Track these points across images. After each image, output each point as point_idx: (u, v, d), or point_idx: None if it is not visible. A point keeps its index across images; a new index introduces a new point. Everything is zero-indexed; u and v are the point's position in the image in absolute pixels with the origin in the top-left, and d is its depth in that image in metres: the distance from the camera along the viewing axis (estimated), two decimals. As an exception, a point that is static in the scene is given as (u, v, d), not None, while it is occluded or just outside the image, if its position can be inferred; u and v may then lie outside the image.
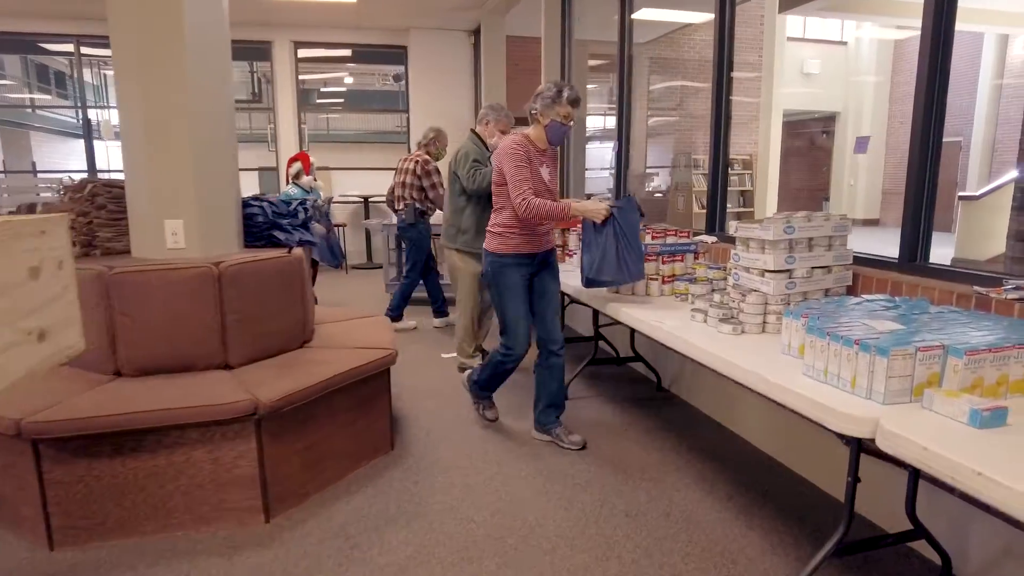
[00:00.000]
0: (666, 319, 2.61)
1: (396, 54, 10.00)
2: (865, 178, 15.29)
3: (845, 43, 15.59)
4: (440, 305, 5.43)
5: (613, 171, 5.23)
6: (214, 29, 2.98)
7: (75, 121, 17.82)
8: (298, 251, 3.20)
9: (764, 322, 2.40)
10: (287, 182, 6.22)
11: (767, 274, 2.37)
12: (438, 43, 9.49)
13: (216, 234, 3.10)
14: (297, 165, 6.08)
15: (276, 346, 2.99)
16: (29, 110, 16.75)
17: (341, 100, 14.12)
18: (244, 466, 2.49)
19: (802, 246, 2.38)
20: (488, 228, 2.93)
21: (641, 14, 8.65)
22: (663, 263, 3.11)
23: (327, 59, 10.98)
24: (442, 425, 3.48)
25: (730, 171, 10.42)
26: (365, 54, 10.55)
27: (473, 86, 9.71)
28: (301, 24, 9.32)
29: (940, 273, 2.31)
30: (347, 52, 10.66)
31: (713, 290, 2.83)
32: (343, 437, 2.90)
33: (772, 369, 1.91)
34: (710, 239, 3.48)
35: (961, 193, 9.06)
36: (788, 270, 2.37)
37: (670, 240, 3.25)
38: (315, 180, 6.15)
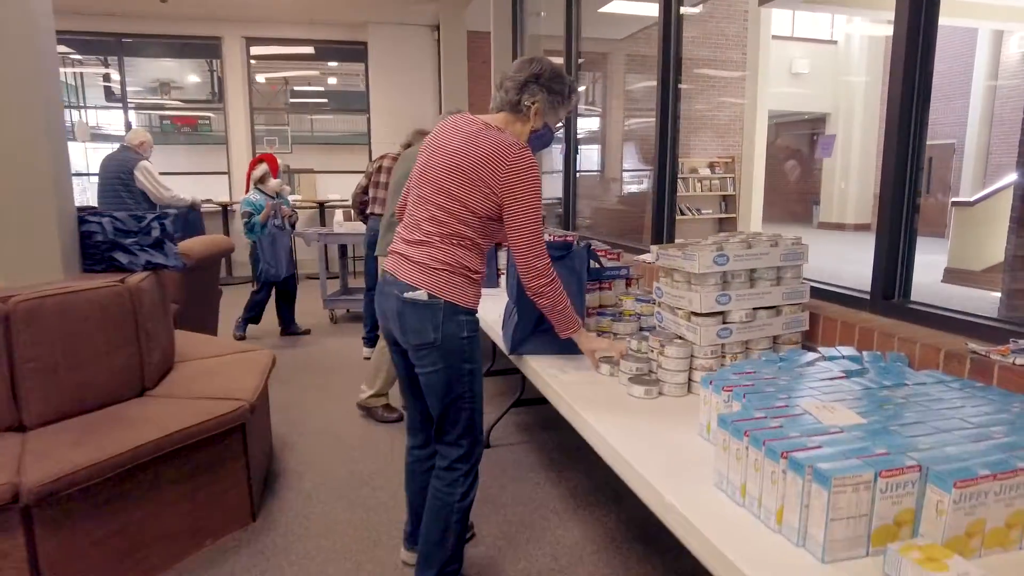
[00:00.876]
0: (569, 368, 2.01)
1: (356, 51, 9.41)
2: (857, 181, 14.76)
3: (835, 42, 15.08)
4: (372, 331, 4.76)
5: (562, 171, 4.62)
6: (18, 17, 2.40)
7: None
8: (136, 278, 2.59)
9: (689, 381, 1.80)
10: (247, 188, 5.55)
11: (694, 318, 1.77)
12: (399, 39, 8.90)
13: (28, 258, 2.49)
14: (262, 168, 5.40)
15: (96, 399, 2.38)
16: None
17: (325, 100, 13.48)
18: (7, 569, 1.88)
19: (741, 280, 1.78)
20: (457, 266, 1.83)
21: (614, 7, 8.07)
22: (587, 291, 2.51)
23: (286, 57, 10.37)
24: (331, 485, 2.87)
25: (711, 173, 9.88)
26: (325, 51, 9.95)
27: (438, 84, 9.12)
28: (252, 19, 8.72)
29: (924, 318, 1.72)
30: (310, 50, 10.09)
31: (641, 328, 2.24)
32: (175, 514, 2.29)
33: (673, 471, 1.31)
34: (651, 258, 2.89)
35: (955, 199, 8.48)
36: (721, 313, 1.77)
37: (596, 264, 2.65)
38: (284, 185, 5.49)
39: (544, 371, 1.99)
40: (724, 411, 1.37)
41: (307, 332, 5.61)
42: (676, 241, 1.80)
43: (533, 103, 1.88)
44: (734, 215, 9.79)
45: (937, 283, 7.92)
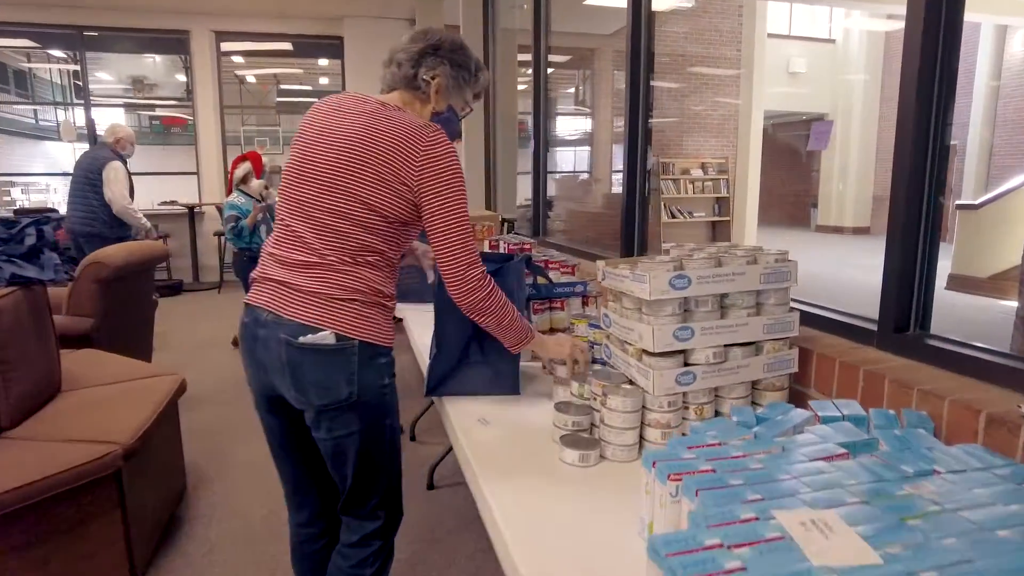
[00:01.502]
0: (500, 415, 1.58)
1: (332, 46, 8.99)
2: (855, 183, 14.38)
3: (833, 41, 14.70)
4: None
5: (532, 172, 4.19)
6: None
7: (33, 122, 16.86)
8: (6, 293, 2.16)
9: (641, 439, 1.37)
10: (229, 189, 5.07)
11: (647, 358, 1.34)
12: (376, 34, 8.47)
13: None
14: (244, 167, 4.92)
15: (-71, 444, 1.95)
16: None
17: (315, 100, 13.02)
18: None
19: (707, 309, 1.35)
20: (370, 293, 1.42)
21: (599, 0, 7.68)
22: (533, 311, 2.08)
23: (260, 53, 9.95)
24: (241, 533, 2.44)
25: (703, 175, 9.45)
26: (300, 47, 9.53)
27: (416, 81, 8.69)
28: (220, 12, 8.30)
29: (951, 359, 1.29)
30: (287, 46, 9.67)
31: (594, 359, 1.80)
32: (20, 589, 1.86)
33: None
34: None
35: (959, 202, 8.07)
36: (680, 352, 1.34)
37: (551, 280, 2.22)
38: (267, 186, 5.01)
39: (460, 420, 1.55)
40: (669, 512, 0.94)
41: None
42: (638, 257, 1.37)
43: (433, 77, 1.47)
44: (728, 218, 9.36)
45: (940, 290, 7.51)
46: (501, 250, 2.72)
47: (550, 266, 2.23)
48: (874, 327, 1.47)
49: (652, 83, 2.69)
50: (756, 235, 10.94)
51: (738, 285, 1.36)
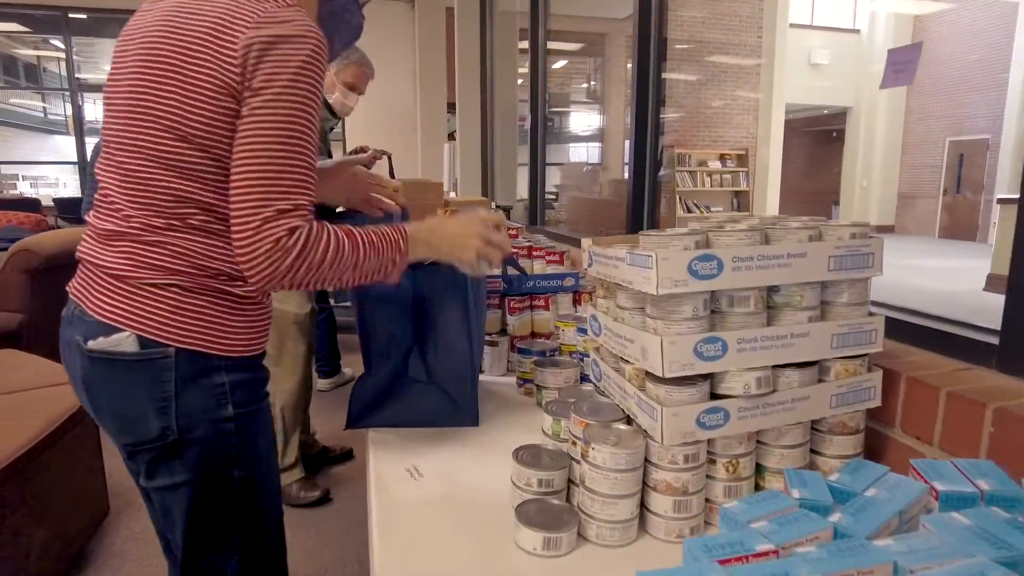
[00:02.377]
0: (439, 460, 1.11)
1: (330, 31, 8.54)
2: (880, 179, 13.76)
3: (858, 31, 14.07)
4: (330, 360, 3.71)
5: (528, 160, 3.71)
6: None
7: (42, 115, 16.65)
8: None
9: (642, 509, 0.89)
10: None
11: (653, 386, 0.87)
12: (376, 15, 7.95)
13: None
14: None
15: None
16: None
17: None
18: None
19: (747, 308, 0.87)
20: (197, 272, 0.96)
21: (611, -21, 7.20)
22: (510, 311, 1.61)
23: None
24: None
25: (721, 167, 8.92)
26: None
27: (417, 65, 8.25)
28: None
29: None
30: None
31: (582, 377, 1.33)
32: None
33: None
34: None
35: (1000, 196, 7.49)
36: (705, 377, 0.87)
37: (529, 266, 1.75)
38: None
39: (382, 468, 1.08)
40: None
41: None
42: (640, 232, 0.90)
43: None
44: (748, 213, 8.82)
45: (979, 292, 6.95)
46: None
47: (534, 254, 1.75)
48: (995, 340, 0.98)
49: (664, 69, 2.22)
50: (776, 232, 10.40)
51: (795, 273, 0.88)
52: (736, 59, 9.89)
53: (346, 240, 0.94)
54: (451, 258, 1.07)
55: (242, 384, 1.01)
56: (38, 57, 15.44)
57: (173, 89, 0.89)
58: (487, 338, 1.58)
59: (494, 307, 1.62)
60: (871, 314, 0.95)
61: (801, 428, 0.92)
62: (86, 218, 1.06)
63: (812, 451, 0.96)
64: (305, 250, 0.89)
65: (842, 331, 0.91)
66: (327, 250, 0.92)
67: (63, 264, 3.06)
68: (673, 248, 0.83)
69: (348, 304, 2.97)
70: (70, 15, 7.69)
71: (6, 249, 3.28)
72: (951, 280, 7.90)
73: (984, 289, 6.96)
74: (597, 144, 9.89)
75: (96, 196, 1.01)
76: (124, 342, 0.93)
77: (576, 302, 1.69)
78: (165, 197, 0.93)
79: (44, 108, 16.60)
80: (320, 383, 3.57)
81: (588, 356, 1.34)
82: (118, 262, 0.95)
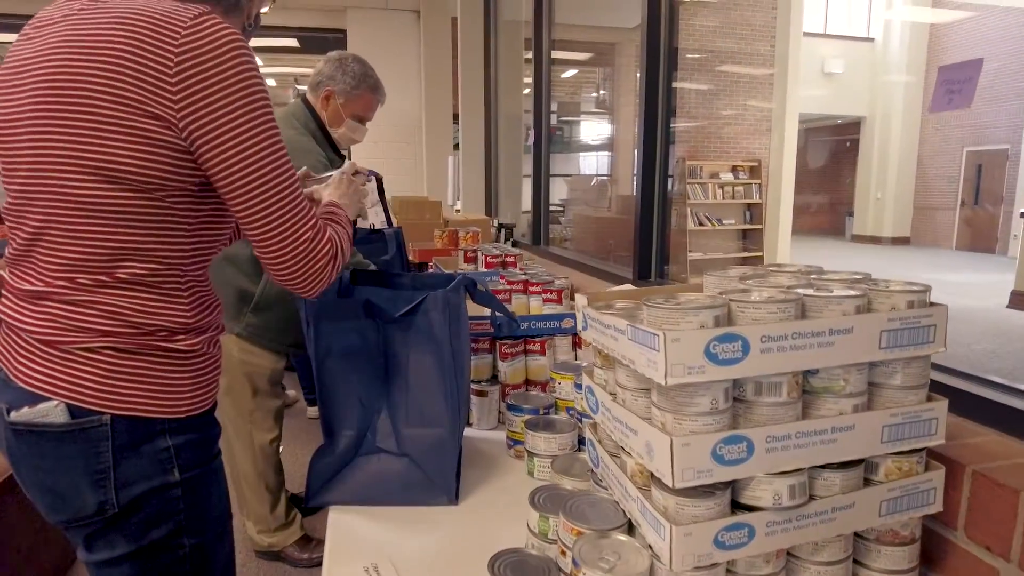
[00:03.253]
0: (419, 548, 0.94)
1: (336, 40, 8.45)
2: (895, 190, 13.51)
3: (872, 39, 13.87)
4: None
5: (532, 175, 3.54)
6: None
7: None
8: None
9: (647, 653, 0.71)
10: None
11: (661, 494, 0.69)
12: (381, 26, 7.91)
13: None
14: None
15: None
16: None
17: None
18: None
19: (778, 398, 0.69)
20: (143, 329, 0.85)
21: (621, -13, 7.04)
22: (501, 356, 1.43)
23: (267, 49, 9.46)
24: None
25: (733, 179, 8.72)
26: (306, 42, 9.02)
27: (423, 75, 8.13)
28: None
29: None
30: (292, 42, 9.16)
31: (580, 441, 1.16)
32: None
33: None
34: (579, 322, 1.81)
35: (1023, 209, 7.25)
36: (726, 485, 0.69)
37: (524, 304, 1.57)
38: None
39: (340, 564, 0.91)
40: None
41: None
42: (640, 289, 0.72)
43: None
44: (760, 226, 8.59)
45: (1002, 308, 6.71)
46: (478, 262, 2.07)
47: (530, 290, 1.58)
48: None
49: (675, 79, 2.06)
50: (790, 245, 10.17)
51: (839, 354, 0.70)
52: (749, 69, 9.70)
53: (330, 230, 0.94)
54: (353, 212, 1.14)
55: (189, 445, 0.90)
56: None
57: (91, 125, 0.77)
58: (475, 387, 1.41)
59: (484, 351, 1.45)
60: (930, 397, 0.77)
61: (842, 541, 0.74)
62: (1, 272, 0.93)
63: (855, 562, 0.78)
64: (343, 252, 0.95)
65: (895, 421, 0.73)
66: (344, 245, 0.96)
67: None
68: (686, 326, 0.65)
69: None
70: (74, 25, 7.62)
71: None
72: (972, 295, 7.65)
73: (1008, 306, 6.72)
74: (607, 153, 9.72)
75: (9, 251, 0.88)
76: (52, 412, 0.82)
77: (576, 345, 1.51)
78: (92, 250, 0.81)
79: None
80: (309, 411, 3.38)
81: (587, 416, 1.17)
82: (43, 325, 0.83)
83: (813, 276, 0.85)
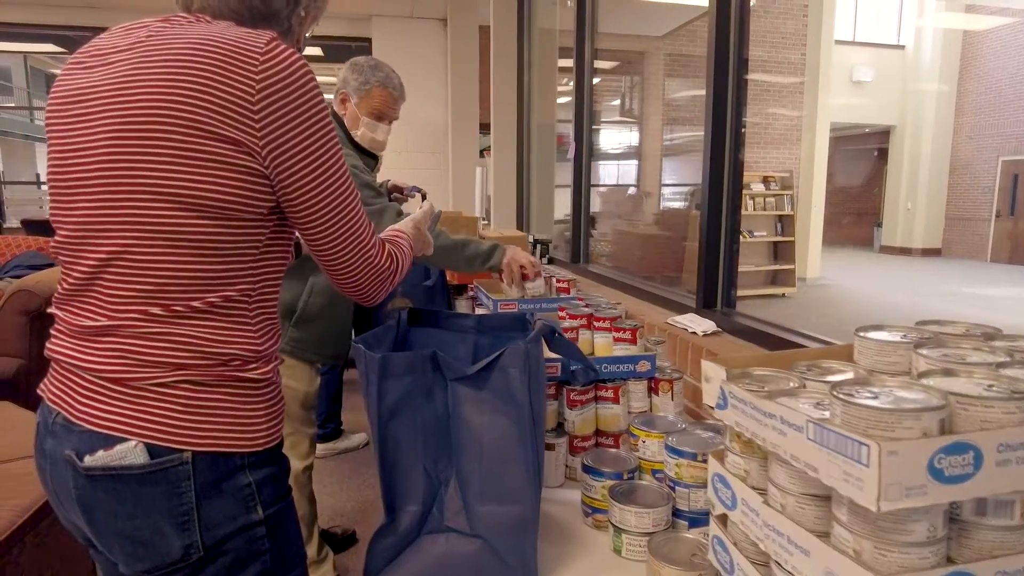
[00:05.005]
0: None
1: (361, 48, 8.37)
2: (926, 201, 13.18)
3: (903, 47, 13.58)
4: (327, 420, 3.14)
5: (571, 188, 3.38)
6: None
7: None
8: None
9: None
10: None
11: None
12: (406, 34, 7.82)
13: None
14: None
15: None
16: (40, 122, 16.06)
17: None
18: None
19: (1008, 519, 0.53)
20: (217, 360, 0.81)
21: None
22: (569, 404, 1.28)
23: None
24: None
25: (765, 190, 8.49)
26: (330, 51, 8.96)
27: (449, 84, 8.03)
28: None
29: None
30: (318, 51, 9.12)
31: (675, 514, 0.99)
32: None
33: None
34: (699, 329, 1.65)
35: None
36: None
37: (588, 342, 1.41)
38: None
39: None
40: None
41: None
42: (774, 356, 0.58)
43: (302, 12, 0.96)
44: (792, 238, 8.36)
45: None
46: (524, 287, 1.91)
47: (596, 326, 1.42)
48: None
49: (745, 101, 1.89)
50: (820, 257, 9.93)
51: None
52: (779, 77, 9.50)
53: (389, 247, 0.98)
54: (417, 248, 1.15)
55: (269, 480, 0.86)
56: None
57: (171, 154, 0.75)
58: (541, 439, 1.25)
59: (550, 398, 1.29)
60: None
61: None
62: (51, 310, 0.87)
63: None
64: (402, 266, 0.99)
65: None
66: (404, 261, 1.00)
67: (65, 305, 2.81)
68: (904, 433, 0.49)
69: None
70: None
71: (20, 277, 3.08)
72: (1015, 312, 7.37)
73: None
74: (632, 163, 9.54)
75: (62, 287, 0.83)
76: (131, 453, 0.77)
77: (653, 391, 1.35)
78: (167, 280, 0.78)
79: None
80: (321, 447, 3.15)
81: (682, 485, 1.01)
82: (110, 362, 0.79)
83: (998, 342, 0.69)
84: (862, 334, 0.73)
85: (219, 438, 0.81)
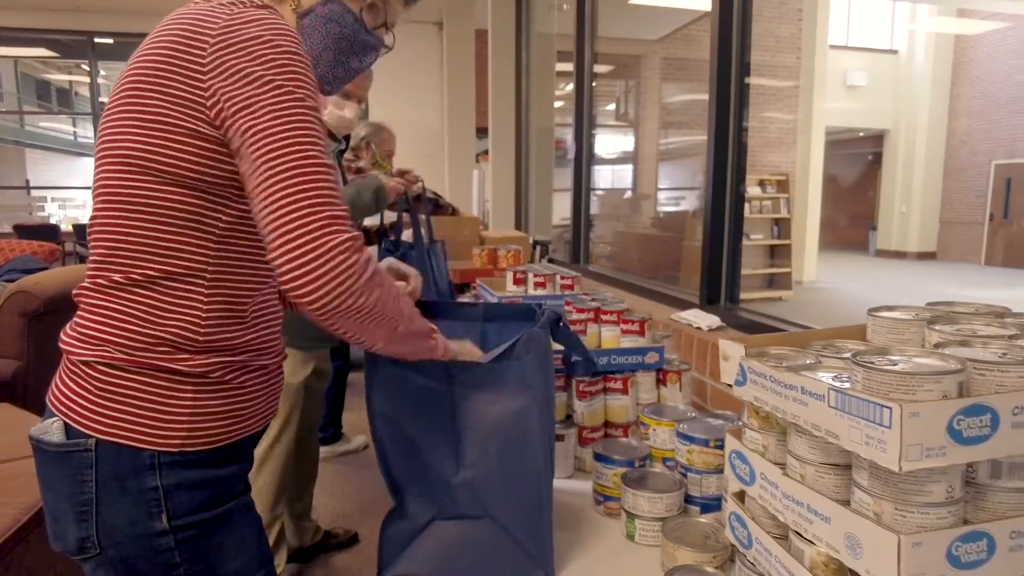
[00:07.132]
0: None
1: (357, 54, 8.39)
2: (920, 204, 13.27)
3: (895, 51, 13.69)
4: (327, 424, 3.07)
5: (572, 190, 3.40)
6: None
7: (72, 138, 16.95)
8: None
9: None
10: None
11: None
12: (402, 37, 7.78)
13: None
14: None
15: None
16: (30, 127, 15.99)
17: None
18: None
19: (1019, 479, 0.54)
20: (142, 340, 0.75)
21: (645, -2, 6.95)
22: (578, 395, 1.29)
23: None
24: None
25: (761, 192, 8.55)
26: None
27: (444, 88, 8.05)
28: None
29: None
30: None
31: (687, 500, 1.01)
32: None
33: None
34: (703, 324, 1.67)
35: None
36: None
37: (596, 335, 1.42)
38: None
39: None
40: None
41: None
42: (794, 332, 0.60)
43: None
44: (788, 241, 8.41)
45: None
46: (529, 285, 1.93)
47: (603, 319, 1.44)
48: None
49: (747, 104, 1.93)
50: (816, 260, 9.98)
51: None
52: (774, 81, 9.56)
53: (397, 295, 0.80)
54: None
55: (185, 487, 0.77)
56: (70, 82, 15.67)
57: (133, 111, 0.74)
58: (551, 429, 1.26)
59: (559, 389, 1.31)
60: None
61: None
62: None
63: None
64: (376, 275, 0.74)
65: None
66: (390, 287, 0.77)
67: (64, 307, 2.81)
68: (925, 395, 0.50)
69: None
70: (96, 40, 7.63)
71: (14, 281, 3.07)
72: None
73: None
74: (628, 166, 9.58)
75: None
76: (50, 429, 0.76)
77: (661, 382, 1.37)
78: (116, 246, 0.76)
79: (74, 132, 16.88)
80: (323, 450, 3.09)
81: (694, 471, 1.02)
82: (66, 334, 0.79)
83: (1008, 319, 0.70)
84: (875, 314, 0.75)
85: (126, 429, 0.74)
